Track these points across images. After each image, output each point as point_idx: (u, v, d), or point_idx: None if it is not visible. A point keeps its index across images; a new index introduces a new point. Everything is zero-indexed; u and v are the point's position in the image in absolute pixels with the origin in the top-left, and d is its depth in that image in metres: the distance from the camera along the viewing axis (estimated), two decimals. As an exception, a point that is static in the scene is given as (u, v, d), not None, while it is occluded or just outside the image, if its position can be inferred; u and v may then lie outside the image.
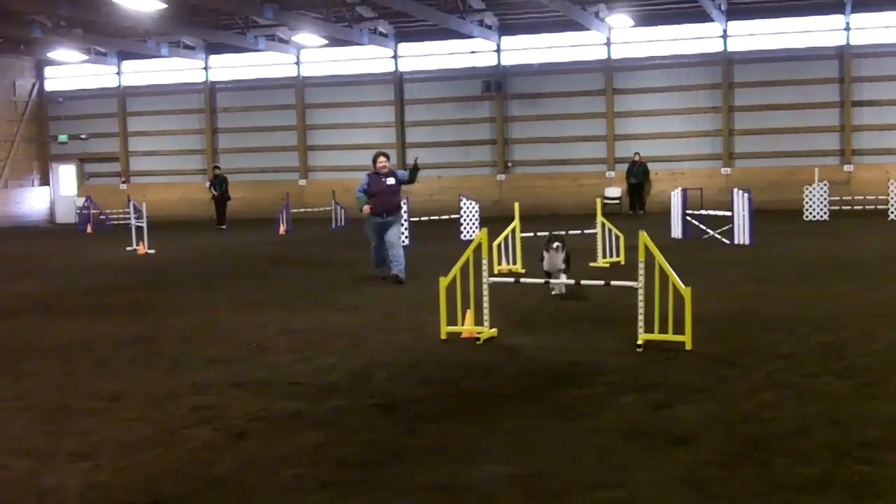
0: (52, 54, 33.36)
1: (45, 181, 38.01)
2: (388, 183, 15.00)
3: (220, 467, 6.04)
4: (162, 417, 7.23)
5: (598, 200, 17.76)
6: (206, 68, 35.99)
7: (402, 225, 15.81)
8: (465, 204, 23.02)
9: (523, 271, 15.55)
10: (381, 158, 15.22)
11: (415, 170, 15.21)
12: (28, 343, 10.75)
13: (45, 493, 5.64)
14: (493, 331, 10.00)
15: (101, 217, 31.39)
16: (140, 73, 36.95)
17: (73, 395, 8.09)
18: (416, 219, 23.19)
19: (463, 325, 10.09)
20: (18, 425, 7.17)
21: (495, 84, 32.65)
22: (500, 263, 15.96)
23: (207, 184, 31.34)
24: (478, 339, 9.79)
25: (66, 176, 38.14)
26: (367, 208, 15.01)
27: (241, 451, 6.35)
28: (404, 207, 15.90)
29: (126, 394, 8.02)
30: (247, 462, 6.12)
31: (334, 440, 6.54)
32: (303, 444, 6.47)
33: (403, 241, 15.91)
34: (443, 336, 9.98)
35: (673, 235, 21.33)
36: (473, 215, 22.92)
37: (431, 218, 24.98)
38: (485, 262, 10.09)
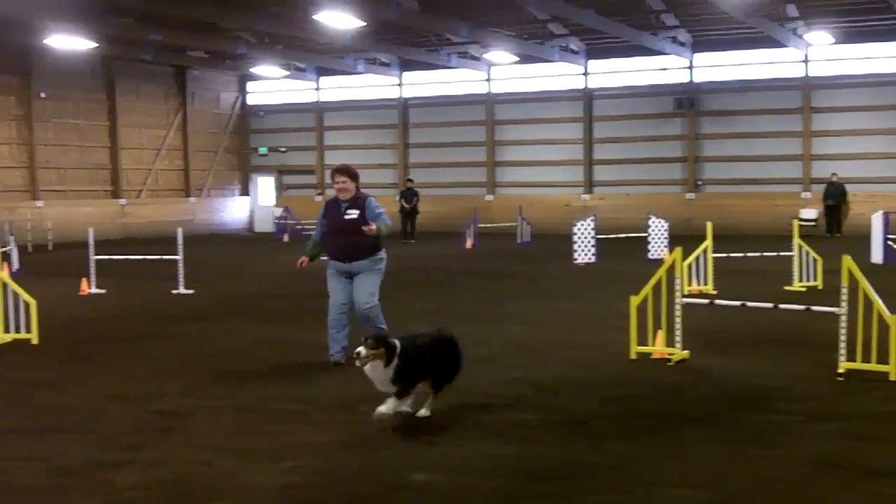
0: (255, 70, 34.88)
1: (245, 191, 39.74)
2: (347, 216, 9.78)
3: (410, 473, 6.19)
4: (355, 421, 7.46)
5: (795, 222, 17.19)
6: (399, 85, 36.87)
7: (378, 277, 10.01)
8: (653, 222, 22.72)
9: (714, 292, 15.22)
10: (338, 177, 9.78)
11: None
12: (230, 345, 11.29)
13: (245, 491, 5.92)
14: (685, 352, 9.84)
15: (296, 227, 32.57)
16: (337, 88, 38.18)
17: (272, 396, 8.45)
18: (603, 236, 23.03)
19: (654, 345, 9.97)
20: (221, 424, 7.53)
21: (687, 101, 32.10)
22: (689, 284, 15.68)
23: (397, 196, 32.04)
24: (669, 360, 9.65)
25: (264, 187, 39.76)
26: (302, 261, 10.18)
27: (432, 458, 6.50)
28: (382, 252, 10.02)
29: (321, 397, 8.31)
30: (437, 469, 6.25)
31: (523, 453, 6.59)
32: (492, 455, 6.55)
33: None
34: (632, 356, 9.88)
35: (873, 260, 20.40)
36: (662, 234, 22.58)
37: (618, 236, 24.77)
38: (678, 281, 9.95)
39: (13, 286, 11.57)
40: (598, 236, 22.24)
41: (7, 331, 11.44)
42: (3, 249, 13.34)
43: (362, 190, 9.99)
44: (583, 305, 14.37)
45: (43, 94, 31.32)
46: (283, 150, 39.00)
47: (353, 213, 9.71)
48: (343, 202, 9.80)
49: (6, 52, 29.28)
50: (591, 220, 22.02)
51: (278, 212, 35.65)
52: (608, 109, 33.90)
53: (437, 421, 7.42)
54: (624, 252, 23.47)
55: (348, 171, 9.80)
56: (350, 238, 9.68)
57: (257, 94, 39.65)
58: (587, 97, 34.01)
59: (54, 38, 26.27)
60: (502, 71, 34.97)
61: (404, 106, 37.00)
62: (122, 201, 33.85)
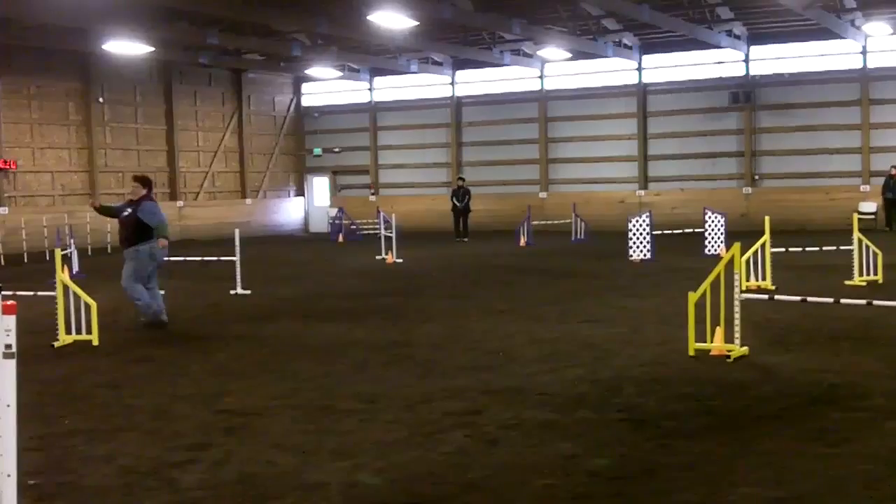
0: (310, 71, 35.07)
1: (300, 192, 39.99)
2: (125, 213, 12.97)
3: (474, 472, 6.18)
4: (418, 421, 7.47)
5: (855, 215, 16.91)
6: (452, 83, 36.87)
7: (133, 262, 12.73)
8: (710, 217, 22.48)
9: (773, 288, 15.02)
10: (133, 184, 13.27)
11: None
12: (290, 345, 11.37)
13: (309, 489, 5.94)
14: (745, 349, 9.71)
15: (351, 227, 32.73)
16: (390, 88, 38.30)
17: (333, 395, 8.49)
18: (658, 232, 22.85)
19: (712, 342, 9.86)
20: (284, 423, 7.58)
21: (744, 95, 31.70)
22: (748, 280, 15.48)
23: (449, 195, 32.05)
24: (728, 356, 9.54)
25: (319, 187, 39.97)
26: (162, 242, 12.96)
27: (493, 458, 6.48)
28: (142, 245, 12.68)
29: (383, 396, 8.33)
30: (499, 469, 6.24)
31: (585, 452, 6.56)
32: (553, 454, 6.52)
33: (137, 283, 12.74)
34: (690, 353, 9.79)
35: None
36: (719, 229, 22.33)
37: (674, 231, 24.56)
38: (736, 277, 9.83)
39: (74, 288, 11.75)
40: (654, 232, 22.06)
41: (69, 332, 11.63)
42: (64, 252, 13.52)
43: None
44: (640, 302, 14.26)
45: (101, 99, 31.79)
46: (337, 150, 39.19)
47: (127, 211, 12.86)
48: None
49: (65, 58, 29.76)
50: (647, 217, 21.84)
51: (333, 212, 35.83)
52: (663, 105, 33.60)
53: (498, 420, 7.41)
54: (680, 248, 23.27)
55: (136, 178, 13.31)
56: (122, 230, 12.98)
57: (312, 96, 39.89)
58: (641, 92, 33.74)
59: (112, 44, 26.65)
60: (555, 68, 34.81)
61: (457, 104, 37.00)
62: (180, 203, 34.25)
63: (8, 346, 4.25)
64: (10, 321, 4.30)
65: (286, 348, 11.12)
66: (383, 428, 7.31)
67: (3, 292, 10.40)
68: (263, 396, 8.49)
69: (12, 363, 4.31)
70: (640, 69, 33.55)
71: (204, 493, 5.89)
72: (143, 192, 12.91)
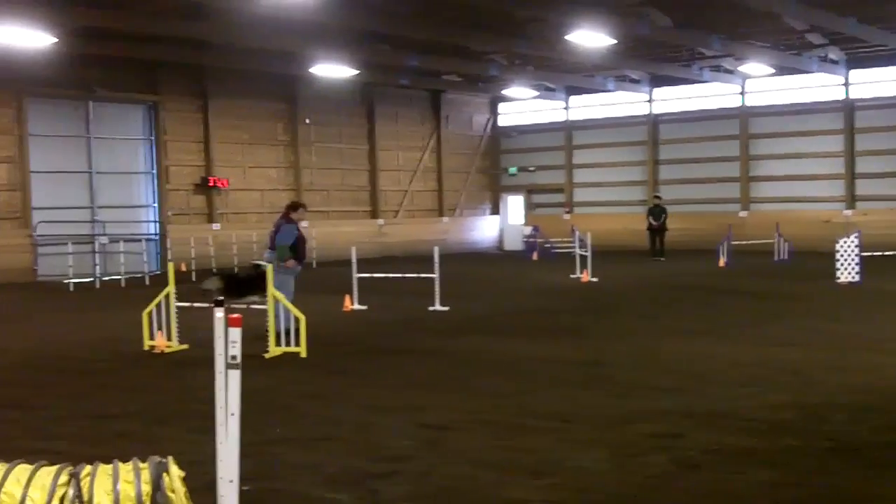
0: (506, 91, 35.42)
1: (495, 210, 40.38)
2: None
3: (673, 498, 6.08)
4: (616, 441, 7.41)
5: None
6: (650, 101, 36.42)
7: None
8: (925, 239, 21.30)
9: None
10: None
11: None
12: (484, 361, 11.50)
13: (508, 504, 6.00)
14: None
15: (546, 245, 32.77)
16: (586, 107, 38.19)
17: (528, 412, 8.53)
18: (868, 254, 21.81)
19: (929, 370, 9.35)
20: (481, 438, 7.67)
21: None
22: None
23: (647, 213, 31.63)
24: (947, 386, 9.04)
25: (514, 206, 40.26)
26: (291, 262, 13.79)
27: (695, 483, 6.36)
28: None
29: (579, 416, 8.31)
30: (701, 495, 6.12)
31: (789, 481, 6.35)
32: (757, 482, 6.35)
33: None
34: (906, 381, 9.32)
35: None
36: (935, 252, 21.13)
37: (886, 253, 23.38)
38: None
39: (283, 301, 12.27)
40: (863, 254, 21.08)
41: (278, 344, 12.14)
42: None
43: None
44: (849, 327, 13.66)
45: (307, 120, 33.06)
46: (532, 169, 39.37)
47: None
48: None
49: (274, 81, 31.14)
50: (856, 237, 20.89)
51: (528, 230, 35.98)
52: (872, 120, 32.08)
53: (700, 444, 7.26)
54: (893, 271, 22.14)
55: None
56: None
57: (508, 115, 40.24)
58: (848, 108, 32.35)
59: (318, 67, 27.72)
60: (757, 84, 33.86)
61: (654, 122, 36.51)
62: (380, 221, 35.19)
63: (233, 357, 4.49)
64: (236, 333, 4.54)
65: (481, 364, 11.25)
66: (581, 447, 7.28)
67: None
68: (460, 411, 8.61)
69: (237, 374, 4.55)
70: (846, 84, 32.19)
71: (405, 505, 6.04)
72: (291, 214, 14.14)
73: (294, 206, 14.48)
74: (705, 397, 8.96)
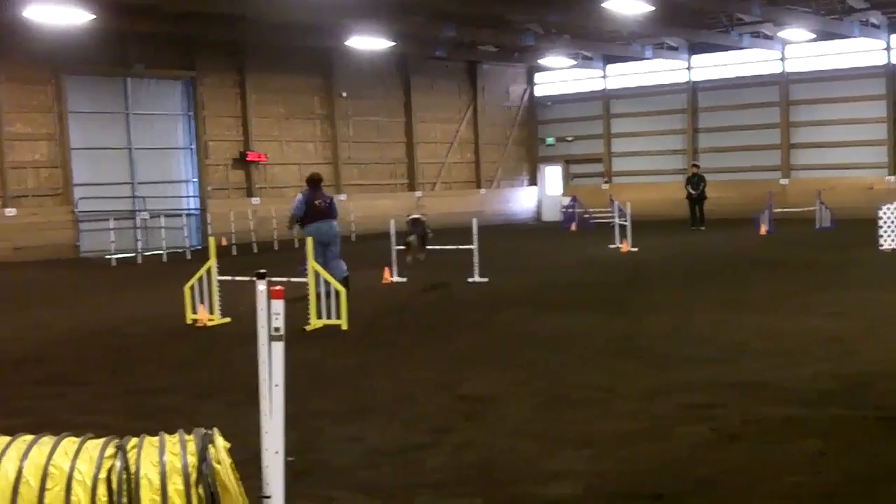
0: (543, 61, 35.20)
1: (533, 181, 40.24)
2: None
3: (715, 468, 6.06)
4: (657, 412, 7.40)
5: None
6: (688, 68, 36.03)
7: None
8: (971, 205, 20.94)
9: None
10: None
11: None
12: (523, 333, 11.50)
13: (551, 476, 6.00)
14: None
15: (584, 216, 32.63)
16: (623, 75, 37.87)
17: (567, 384, 8.53)
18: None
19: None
20: (521, 410, 7.69)
21: None
22: None
23: (684, 182, 31.37)
24: None
25: (552, 176, 40.08)
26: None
27: (736, 454, 6.33)
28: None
29: (618, 387, 8.30)
30: (742, 465, 6.09)
31: (835, 450, 6.30)
32: (800, 451, 6.31)
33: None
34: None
35: None
36: (981, 218, 20.77)
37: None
38: None
39: (324, 274, 12.33)
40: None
41: (319, 317, 12.22)
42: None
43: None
44: (889, 295, 13.49)
45: (344, 94, 33.07)
46: (569, 139, 39.16)
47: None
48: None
49: (310, 55, 31.15)
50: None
51: (566, 201, 35.84)
52: (916, 85, 31.59)
53: (739, 414, 7.23)
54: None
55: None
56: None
57: (544, 85, 40.00)
58: (891, 73, 31.83)
59: (354, 40, 27.70)
60: (797, 49, 33.39)
61: (693, 90, 36.15)
62: (418, 193, 35.19)
63: (276, 329, 4.53)
64: (279, 305, 4.57)
65: (519, 336, 11.25)
66: (622, 418, 7.28)
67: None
68: (499, 383, 8.63)
69: (281, 345, 4.59)
70: (888, 48, 31.66)
71: (447, 476, 6.07)
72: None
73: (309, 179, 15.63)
74: (746, 368, 8.90)
